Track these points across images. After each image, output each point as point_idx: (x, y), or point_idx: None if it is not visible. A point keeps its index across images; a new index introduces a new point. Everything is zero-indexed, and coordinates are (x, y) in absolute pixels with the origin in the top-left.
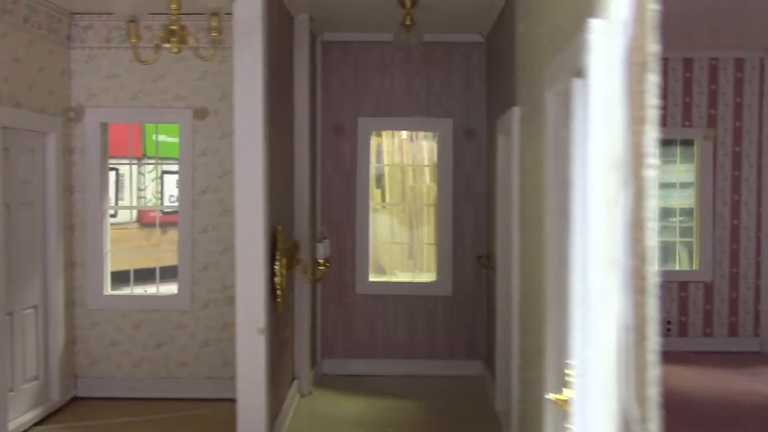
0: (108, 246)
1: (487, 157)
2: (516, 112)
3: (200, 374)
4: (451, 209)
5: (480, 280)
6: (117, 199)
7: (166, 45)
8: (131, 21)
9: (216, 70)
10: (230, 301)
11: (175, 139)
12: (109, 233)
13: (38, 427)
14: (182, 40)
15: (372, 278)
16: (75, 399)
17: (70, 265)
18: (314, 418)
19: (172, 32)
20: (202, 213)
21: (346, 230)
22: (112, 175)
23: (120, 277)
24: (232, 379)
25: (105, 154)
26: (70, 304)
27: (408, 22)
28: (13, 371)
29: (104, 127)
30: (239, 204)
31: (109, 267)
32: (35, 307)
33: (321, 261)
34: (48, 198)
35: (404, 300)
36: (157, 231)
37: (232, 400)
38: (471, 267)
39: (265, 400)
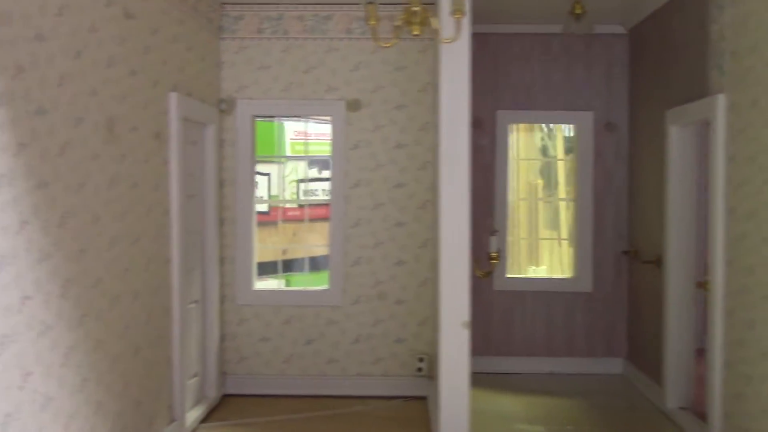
0: (256, 241)
1: (629, 150)
2: (720, 100)
3: (350, 371)
4: (591, 204)
5: (620, 275)
6: None
7: (405, 28)
8: (369, 3)
9: (369, 60)
10: (382, 296)
11: None
12: (256, 228)
13: (205, 424)
14: (424, 22)
15: (509, 274)
16: (225, 397)
17: (220, 260)
18: (484, 416)
19: (413, 14)
20: (353, 207)
21: (483, 225)
22: None
23: None
24: (383, 376)
25: (254, 147)
26: (221, 299)
27: (578, 11)
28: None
29: (253, 119)
30: (445, 197)
31: (256, 262)
32: (197, 302)
33: (494, 255)
34: (206, 191)
35: (542, 296)
36: None
37: (384, 398)
38: (611, 262)
39: (468, 397)
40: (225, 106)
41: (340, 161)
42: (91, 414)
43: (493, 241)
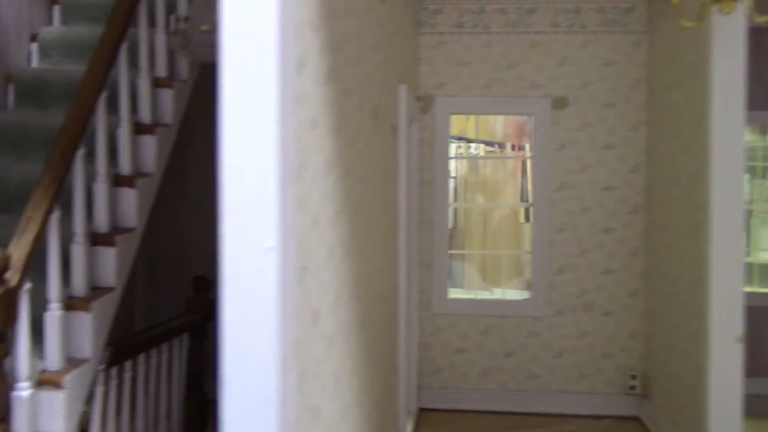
0: (450, 246)
1: None
2: None
3: (552, 387)
4: None
5: None
6: None
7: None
8: None
9: (576, 56)
10: (587, 307)
11: None
12: (448, 232)
13: None
14: None
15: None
16: (420, 411)
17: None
18: None
19: None
20: (558, 211)
21: None
22: None
23: None
24: (588, 393)
25: (448, 147)
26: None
27: None
28: None
29: (450, 117)
30: (717, 201)
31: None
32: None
33: None
34: (411, 191)
35: None
36: None
37: (590, 417)
38: None
39: (741, 419)
40: (423, 104)
41: (544, 162)
42: (364, 426)
43: None
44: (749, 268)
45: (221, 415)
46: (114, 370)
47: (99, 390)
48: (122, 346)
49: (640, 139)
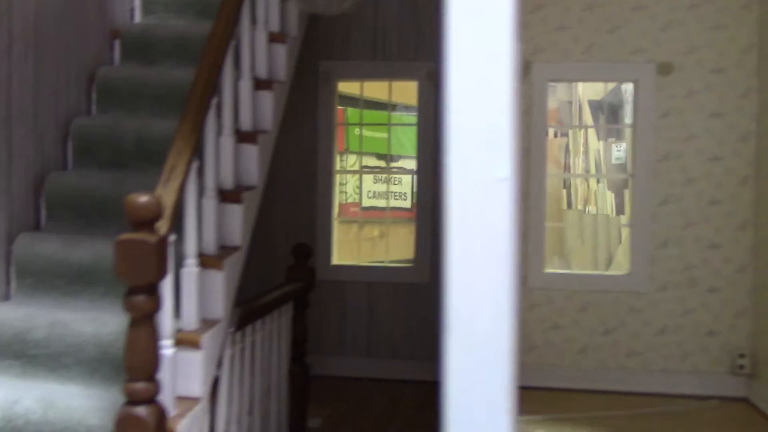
0: (546, 219)
1: None
2: None
3: (653, 366)
4: None
5: None
6: None
7: None
8: None
9: (682, 18)
10: (693, 283)
11: (380, 135)
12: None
13: (522, 417)
14: None
15: None
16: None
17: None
18: None
19: None
20: (661, 182)
21: None
22: None
23: None
24: (692, 372)
25: (547, 114)
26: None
27: None
28: None
29: (548, 84)
30: None
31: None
32: None
33: None
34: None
35: None
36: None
37: (694, 397)
38: None
39: None
40: (520, 70)
41: (648, 131)
42: None
43: None
44: None
45: (444, 367)
46: (238, 335)
47: (228, 353)
48: (247, 310)
49: (751, 107)
